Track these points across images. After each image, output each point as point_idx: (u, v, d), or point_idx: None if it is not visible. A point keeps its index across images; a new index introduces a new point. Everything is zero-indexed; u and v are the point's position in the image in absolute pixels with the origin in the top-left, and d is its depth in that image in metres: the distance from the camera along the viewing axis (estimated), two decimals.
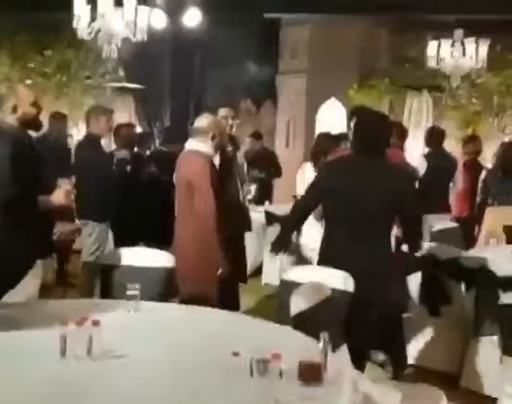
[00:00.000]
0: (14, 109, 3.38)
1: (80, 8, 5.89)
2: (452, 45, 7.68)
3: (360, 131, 3.43)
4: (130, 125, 6.59)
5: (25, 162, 2.97)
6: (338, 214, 3.35)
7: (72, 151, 5.54)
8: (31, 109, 3.43)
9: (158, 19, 7.09)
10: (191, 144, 4.02)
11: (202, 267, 3.76)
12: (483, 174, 6.34)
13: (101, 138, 5.18)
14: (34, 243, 2.97)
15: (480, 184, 6.38)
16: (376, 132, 3.38)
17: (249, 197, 5.56)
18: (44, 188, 3.14)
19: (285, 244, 3.60)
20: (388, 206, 3.27)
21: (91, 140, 5.10)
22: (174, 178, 4.21)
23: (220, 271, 3.81)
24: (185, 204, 3.91)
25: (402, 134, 5.71)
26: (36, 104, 3.50)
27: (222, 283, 3.88)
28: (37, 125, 3.60)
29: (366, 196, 3.23)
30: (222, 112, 4.87)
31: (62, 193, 3.06)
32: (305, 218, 3.61)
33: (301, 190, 5.96)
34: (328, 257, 3.31)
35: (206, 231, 3.75)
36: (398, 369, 4.07)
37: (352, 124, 3.52)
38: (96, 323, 2.20)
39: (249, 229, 5.04)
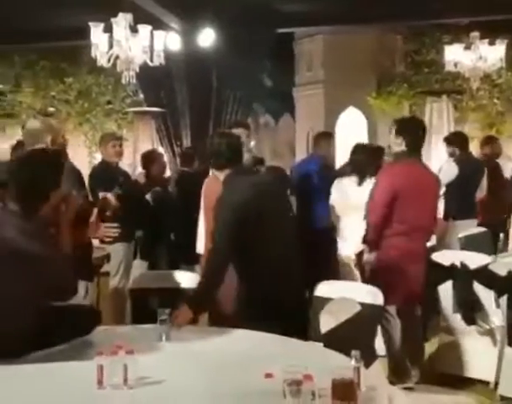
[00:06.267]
0: (53, 142, 3.62)
1: (97, 37, 5.98)
2: (469, 48, 7.63)
3: None
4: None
5: None
6: None
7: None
8: (63, 141, 3.72)
9: (174, 42, 7.20)
10: None
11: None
12: None
13: (114, 163, 5.46)
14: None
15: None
16: None
17: None
18: None
19: None
20: None
21: (104, 165, 5.48)
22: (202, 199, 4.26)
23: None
24: (208, 225, 3.96)
25: None
26: (64, 137, 3.77)
27: None
28: (65, 156, 3.85)
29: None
30: (237, 132, 4.86)
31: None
32: None
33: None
34: None
35: None
36: None
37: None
38: (130, 352, 2.23)
39: None
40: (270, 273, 3.15)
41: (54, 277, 2.51)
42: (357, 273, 4.78)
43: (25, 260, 2.42)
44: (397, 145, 4.04)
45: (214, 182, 3.94)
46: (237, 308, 3.31)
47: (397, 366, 4.02)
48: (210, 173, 4.11)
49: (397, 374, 3.96)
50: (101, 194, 4.68)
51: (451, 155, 6.15)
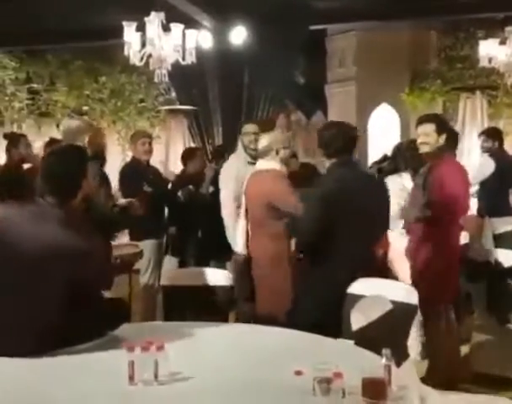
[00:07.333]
0: (90, 142, 3.71)
1: (130, 36, 6.04)
2: (504, 42, 7.48)
3: None
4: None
5: None
6: None
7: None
8: (102, 143, 3.83)
9: (206, 40, 7.23)
10: (262, 164, 3.97)
11: (275, 286, 3.78)
12: None
13: (144, 160, 5.48)
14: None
15: None
16: None
17: None
18: None
19: None
20: None
21: (135, 163, 5.51)
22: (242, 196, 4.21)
23: None
24: (262, 224, 3.88)
25: None
26: (102, 139, 3.87)
27: None
28: (104, 157, 3.93)
29: None
30: (248, 128, 4.81)
31: None
32: None
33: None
34: None
35: (283, 248, 3.80)
36: None
37: None
38: (161, 347, 2.25)
39: None
40: (336, 267, 3.32)
41: (93, 271, 2.57)
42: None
43: (66, 256, 2.47)
44: (436, 141, 3.94)
45: (257, 179, 3.91)
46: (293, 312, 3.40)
47: (435, 367, 3.97)
48: (252, 171, 4.05)
49: (435, 376, 3.90)
50: (124, 201, 4.67)
51: (487, 150, 6.05)
